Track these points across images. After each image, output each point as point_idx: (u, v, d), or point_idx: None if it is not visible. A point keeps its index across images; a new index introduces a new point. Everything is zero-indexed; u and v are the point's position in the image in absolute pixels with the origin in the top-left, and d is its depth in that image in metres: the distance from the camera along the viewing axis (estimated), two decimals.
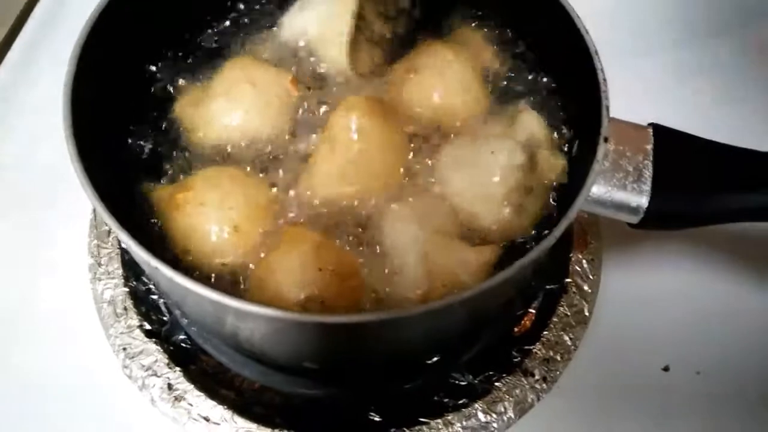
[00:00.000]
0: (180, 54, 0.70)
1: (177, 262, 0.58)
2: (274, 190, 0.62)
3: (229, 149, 0.64)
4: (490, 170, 0.59)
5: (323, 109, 0.66)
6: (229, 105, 0.64)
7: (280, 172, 0.63)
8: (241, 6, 0.74)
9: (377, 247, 0.60)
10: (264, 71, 0.66)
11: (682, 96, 0.88)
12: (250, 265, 0.59)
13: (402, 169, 0.63)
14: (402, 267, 0.58)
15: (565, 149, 0.64)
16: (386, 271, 0.58)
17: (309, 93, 0.67)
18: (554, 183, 0.62)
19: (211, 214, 0.58)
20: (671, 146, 0.58)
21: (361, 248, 0.60)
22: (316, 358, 0.61)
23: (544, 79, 0.68)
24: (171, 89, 0.69)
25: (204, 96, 0.66)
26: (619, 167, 0.57)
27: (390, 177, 0.62)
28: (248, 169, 0.63)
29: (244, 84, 0.64)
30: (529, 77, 0.69)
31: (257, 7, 0.74)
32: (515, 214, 0.59)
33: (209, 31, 0.73)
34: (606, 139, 0.55)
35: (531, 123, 0.62)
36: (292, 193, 0.62)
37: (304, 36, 0.69)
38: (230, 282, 0.59)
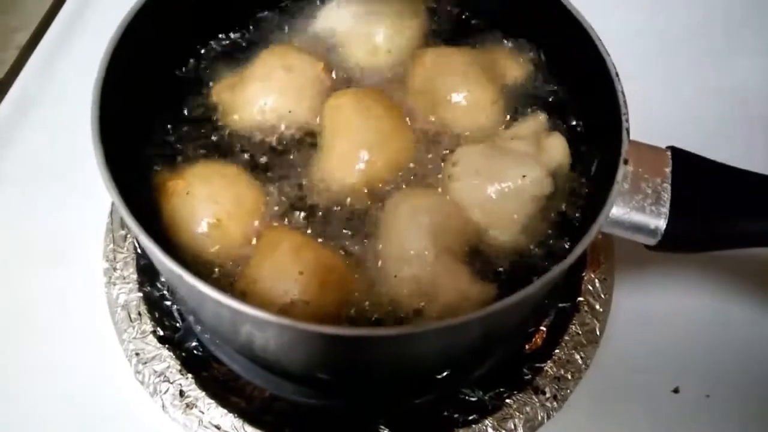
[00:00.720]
0: (217, 44, 0.73)
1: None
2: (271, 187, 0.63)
3: (259, 133, 0.66)
4: (519, 194, 0.60)
5: None
6: (264, 89, 0.66)
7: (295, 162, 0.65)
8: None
9: (376, 244, 0.60)
10: (299, 58, 0.68)
11: (700, 119, 0.89)
12: (235, 266, 0.59)
13: (412, 165, 0.64)
14: (400, 271, 0.58)
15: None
16: (381, 272, 0.59)
17: (339, 84, 0.69)
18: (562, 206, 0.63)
19: (197, 206, 0.60)
20: (690, 169, 0.59)
21: (356, 246, 0.60)
22: (329, 370, 0.61)
23: (564, 96, 0.69)
24: (204, 76, 0.71)
25: (240, 80, 0.68)
26: (638, 189, 0.57)
27: (390, 166, 0.63)
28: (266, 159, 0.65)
29: (279, 69, 0.67)
30: (549, 95, 0.69)
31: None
32: (528, 236, 0.61)
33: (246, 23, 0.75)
34: (626, 161, 0.55)
35: (560, 151, 0.63)
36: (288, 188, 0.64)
37: (334, 33, 0.72)
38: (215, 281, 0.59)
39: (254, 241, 0.60)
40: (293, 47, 0.70)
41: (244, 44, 0.73)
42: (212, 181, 0.61)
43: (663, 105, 0.87)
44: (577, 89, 0.67)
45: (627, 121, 0.57)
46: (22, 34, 0.92)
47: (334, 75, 0.70)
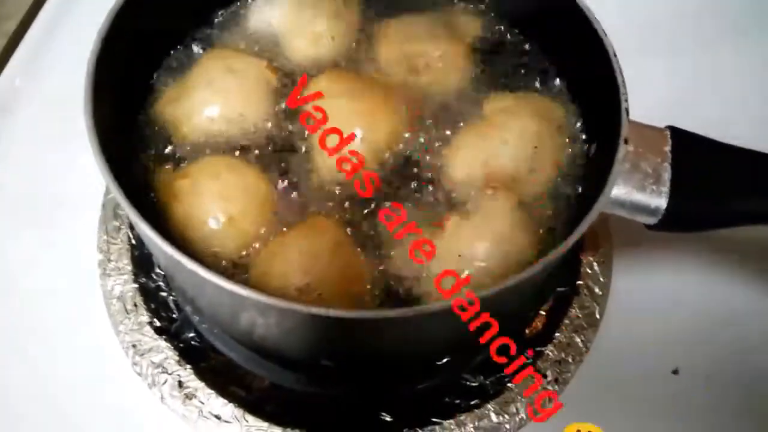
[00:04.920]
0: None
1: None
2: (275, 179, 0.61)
3: (216, 141, 0.62)
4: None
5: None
6: (211, 95, 0.62)
7: (272, 160, 0.62)
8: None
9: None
10: (241, 59, 0.64)
11: (698, 99, 0.88)
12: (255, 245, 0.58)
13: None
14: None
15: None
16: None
17: (288, 79, 0.66)
18: None
19: (207, 203, 0.57)
20: (689, 149, 0.58)
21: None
22: (334, 356, 0.60)
23: (561, 80, 0.68)
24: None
25: (183, 91, 0.64)
26: (638, 169, 0.57)
27: (387, 144, 0.61)
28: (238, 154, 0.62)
29: (223, 72, 0.62)
30: (545, 78, 0.69)
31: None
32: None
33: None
34: (626, 141, 0.55)
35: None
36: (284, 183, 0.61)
37: (269, 27, 0.68)
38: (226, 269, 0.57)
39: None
40: (231, 49, 0.67)
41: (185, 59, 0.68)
42: (220, 176, 0.59)
43: (660, 85, 0.86)
44: (573, 69, 0.66)
45: (626, 101, 0.57)
46: (10, 22, 0.91)
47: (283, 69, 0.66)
